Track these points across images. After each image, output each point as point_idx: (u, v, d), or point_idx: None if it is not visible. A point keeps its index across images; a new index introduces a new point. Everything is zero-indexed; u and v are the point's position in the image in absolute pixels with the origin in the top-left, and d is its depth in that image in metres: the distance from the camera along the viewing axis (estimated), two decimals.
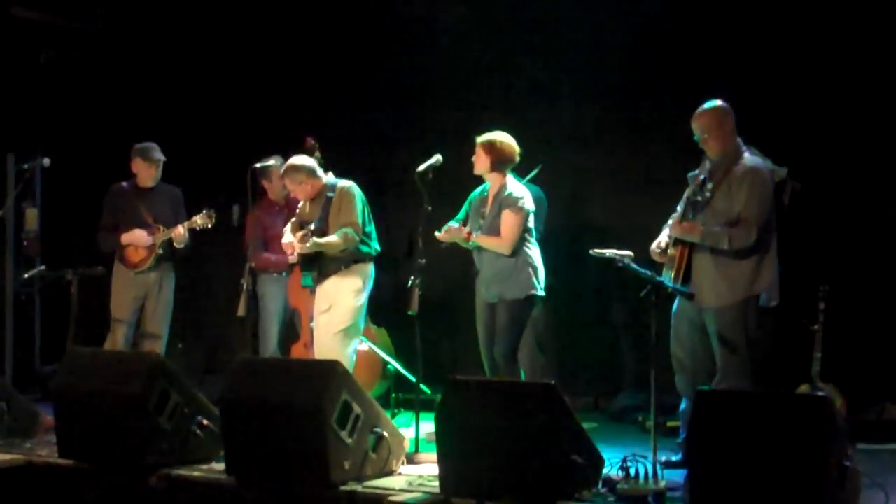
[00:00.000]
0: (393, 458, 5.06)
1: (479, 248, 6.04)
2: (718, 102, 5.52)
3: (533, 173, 6.88)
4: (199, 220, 6.89)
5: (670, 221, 5.63)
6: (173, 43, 8.77)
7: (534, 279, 5.99)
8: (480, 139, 6.05)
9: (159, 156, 7.07)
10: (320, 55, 8.38)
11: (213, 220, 6.88)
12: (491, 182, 6.11)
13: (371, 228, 6.34)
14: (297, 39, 8.42)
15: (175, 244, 6.97)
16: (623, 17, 7.34)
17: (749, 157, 5.50)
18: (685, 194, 5.60)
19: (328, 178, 6.39)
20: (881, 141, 6.63)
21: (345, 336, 6.20)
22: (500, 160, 6.03)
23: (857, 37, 6.65)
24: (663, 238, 5.57)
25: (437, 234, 6.02)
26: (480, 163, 6.07)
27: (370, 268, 6.33)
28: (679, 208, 5.61)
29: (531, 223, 6.07)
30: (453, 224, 6.05)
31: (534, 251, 6.05)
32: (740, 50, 6.94)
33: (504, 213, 5.96)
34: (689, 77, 6.95)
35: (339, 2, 8.29)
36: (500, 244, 5.95)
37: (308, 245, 6.09)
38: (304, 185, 6.29)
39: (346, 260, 6.23)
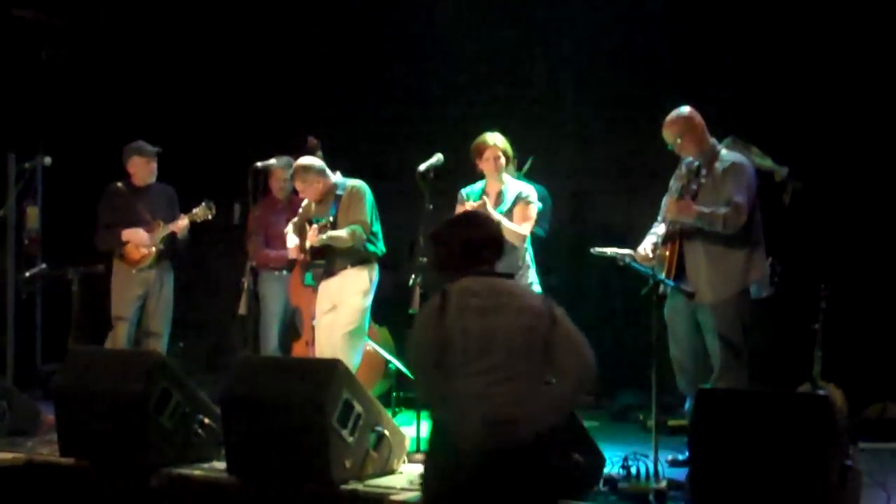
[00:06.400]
0: (394, 456, 5.06)
1: None
2: (683, 108, 5.58)
3: (526, 166, 6.87)
4: (200, 211, 6.90)
5: (653, 228, 5.66)
6: (175, 42, 8.77)
7: (534, 279, 6.02)
8: (498, 145, 6.02)
9: (153, 148, 7.09)
10: (322, 54, 8.39)
11: (214, 211, 6.89)
12: (496, 182, 6.10)
13: (378, 228, 6.33)
14: (298, 39, 8.43)
15: (178, 236, 6.97)
16: (625, 17, 7.35)
17: (727, 153, 5.56)
18: (673, 185, 5.63)
19: (336, 177, 6.40)
20: (882, 140, 6.64)
21: (351, 337, 6.18)
22: (510, 160, 6.10)
23: (857, 37, 6.65)
24: (648, 243, 5.59)
25: (467, 203, 5.97)
26: (500, 165, 6.05)
27: (376, 268, 6.32)
28: (666, 199, 5.65)
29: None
30: (472, 202, 6.03)
31: (530, 252, 6.07)
32: (741, 50, 6.95)
33: (520, 205, 5.99)
34: (691, 76, 6.96)
35: (342, 3, 8.29)
36: (519, 231, 5.94)
37: (324, 237, 6.09)
38: (316, 185, 6.29)
39: (352, 259, 6.23)
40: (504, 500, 3.70)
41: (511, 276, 4.01)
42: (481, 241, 3.98)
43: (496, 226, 4.16)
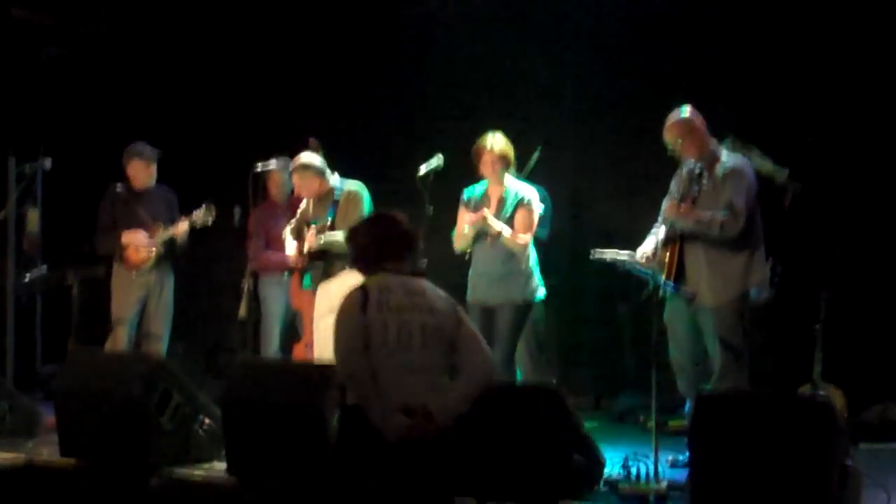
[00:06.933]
0: None
1: (482, 247, 6.00)
2: (684, 110, 5.57)
3: (534, 156, 6.85)
4: (200, 215, 6.89)
5: (653, 231, 5.66)
6: (176, 44, 8.77)
7: (538, 282, 6.01)
8: (496, 150, 5.94)
9: (153, 151, 7.09)
10: (322, 57, 8.38)
11: (214, 215, 6.88)
12: (497, 185, 6.08)
13: None
14: (299, 41, 8.42)
15: (178, 240, 6.97)
16: (625, 18, 7.34)
17: (727, 156, 5.56)
18: (673, 187, 5.63)
19: (334, 179, 6.40)
20: (882, 142, 6.64)
21: None
22: (510, 164, 6.05)
23: (857, 37, 6.65)
24: (649, 246, 5.59)
25: (467, 215, 5.92)
26: (497, 169, 5.97)
27: None
28: (666, 201, 5.64)
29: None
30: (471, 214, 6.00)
31: (534, 254, 6.06)
32: (741, 51, 6.95)
33: (522, 210, 5.94)
34: (691, 77, 6.95)
35: (341, 4, 8.29)
36: (520, 243, 5.91)
37: (322, 239, 6.09)
38: (313, 182, 6.29)
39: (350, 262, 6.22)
40: (421, 487, 3.98)
41: (422, 274, 4.21)
42: (396, 238, 4.24)
43: (409, 224, 4.35)
